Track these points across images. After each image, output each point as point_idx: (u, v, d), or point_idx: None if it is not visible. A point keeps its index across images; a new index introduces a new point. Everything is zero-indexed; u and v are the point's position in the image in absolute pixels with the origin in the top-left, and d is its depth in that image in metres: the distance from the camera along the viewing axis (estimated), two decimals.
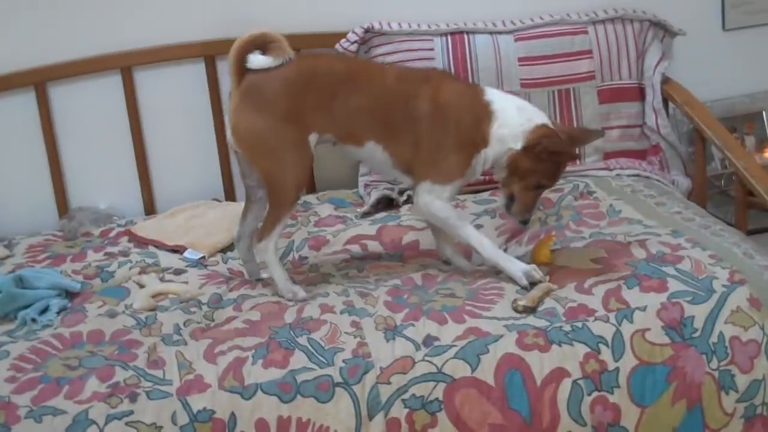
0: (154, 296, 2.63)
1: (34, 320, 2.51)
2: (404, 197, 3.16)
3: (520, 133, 2.51)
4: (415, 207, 2.61)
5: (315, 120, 2.52)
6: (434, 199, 2.54)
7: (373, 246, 2.90)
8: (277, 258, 2.56)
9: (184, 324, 2.45)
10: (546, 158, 2.49)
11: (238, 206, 3.12)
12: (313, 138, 2.54)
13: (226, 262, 2.90)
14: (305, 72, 2.52)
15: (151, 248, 2.98)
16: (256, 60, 2.47)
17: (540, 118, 2.55)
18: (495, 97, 2.58)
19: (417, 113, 2.53)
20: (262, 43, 2.49)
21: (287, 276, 2.57)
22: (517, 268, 2.50)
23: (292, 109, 2.49)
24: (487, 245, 2.56)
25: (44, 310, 2.56)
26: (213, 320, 2.49)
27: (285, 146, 2.49)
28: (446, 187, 2.54)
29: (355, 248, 2.90)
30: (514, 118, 2.53)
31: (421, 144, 2.53)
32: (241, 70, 2.48)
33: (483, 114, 2.54)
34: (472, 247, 2.59)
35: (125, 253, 2.95)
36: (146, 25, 3.28)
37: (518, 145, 2.50)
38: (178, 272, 2.82)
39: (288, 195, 2.51)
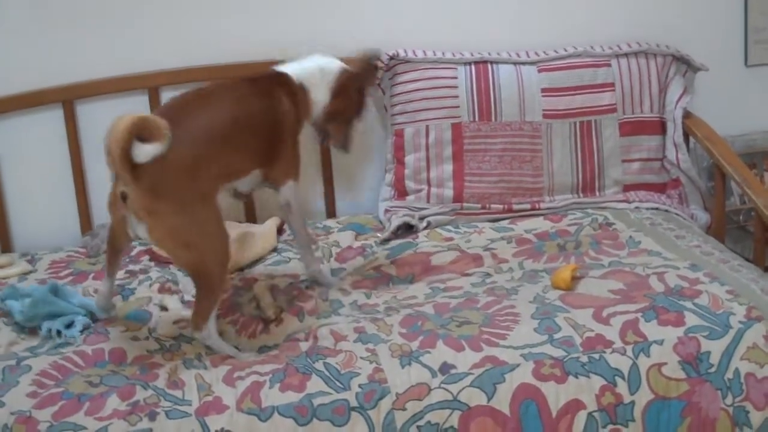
0: (176, 322, 2.65)
1: (59, 332, 2.54)
2: (424, 224, 3.19)
3: (328, 85, 2.80)
4: (282, 202, 2.78)
5: (212, 184, 2.48)
6: (295, 193, 2.76)
7: (388, 268, 2.94)
8: (221, 339, 2.49)
9: (206, 353, 2.47)
10: (354, 93, 2.86)
11: (258, 227, 3.17)
12: (220, 199, 2.54)
13: None
14: (189, 144, 2.40)
15: (172, 267, 2.99)
16: (145, 151, 2.28)
17: (330, 63, 2.84)
18: (300, 72, 2.79)
19: (279, 126, 2.68)
20: (139, 130, 2.28)
21: (236, 350, 2.50)
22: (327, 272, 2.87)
23: (197, 188, 2.40)
24: (309, 240, 2.88)
25: (69, 325, 2.58)
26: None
27: (207, 233, 2.42)
28: (298, 182, 2.77)
29: (369, 272, 2.93)
30: (318, 78, 2.79)
31: (284, 151, 2.70)
32: (130, 163, 2.27)
33: (303, 95, 2.76)
34: (298, 234, 2.83)
35: (146, 271, 2.97)
36: (173, 46, 3.31)
37: (327, 97, 2.80)
38: None
39: (214, 278, 2.44)
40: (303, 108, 2.77)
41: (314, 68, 2.81)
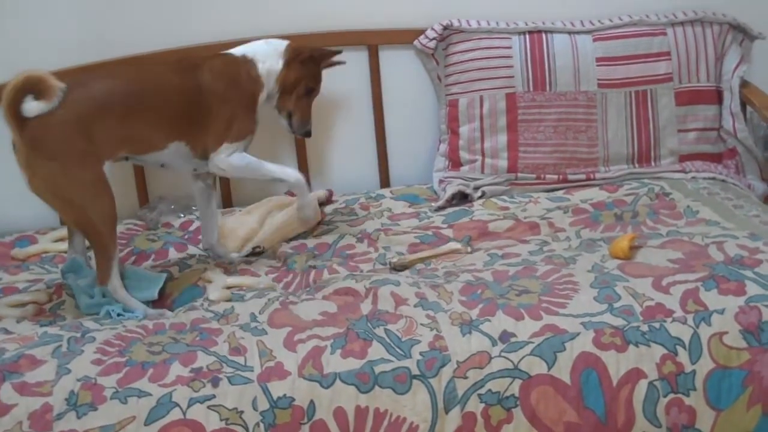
0: (228, 288, 2.69)
1: (119, 315, 2.57)
2: (479, 193, 3.19)
3: (279, 55, 2.85)
4: (213, 170, 2.79)
5: (105, 149, 2.57)
6: (230, 154, 2.73)
7: (445, 231, 2.97)
8: (126, 293, 2.63)
9: (260, 311, 2.48)
10: (308, 62, 2.87)
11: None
12: (107, 167, 2.58)
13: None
14: (83, 106, 2.53)
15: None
16: (32, 108, 2.45)
17: (278, 41, 2.89)
18: (245, 49, 2.86)
19: (203, 98, 2.69)
20: (30, 88, 2.45)
21: (143, 305, 2.64)
22: (308, 197, 2.91)
23: (81, 149, 2.51)
24: (290, 172, 2.85)
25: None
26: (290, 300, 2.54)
27: (85, 192, 2.53)
28: (240, 143, 2.74)
29: (426, 232, 2.97)
30: (267, 51, 2.85)
31: (214, 120, 2.70)
32: (19, 119, 2.45)
33: (246, 66, 2.80)
34: (277, 178, 2.83)
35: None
36: (234, 17, 3.30)
37: (280, 64, 2.84)
38: (248, 263, 2.89)
39: (103, 235, 2.56)
40: (249, 80, 2.80)
41: (260, 42, 2.88)
